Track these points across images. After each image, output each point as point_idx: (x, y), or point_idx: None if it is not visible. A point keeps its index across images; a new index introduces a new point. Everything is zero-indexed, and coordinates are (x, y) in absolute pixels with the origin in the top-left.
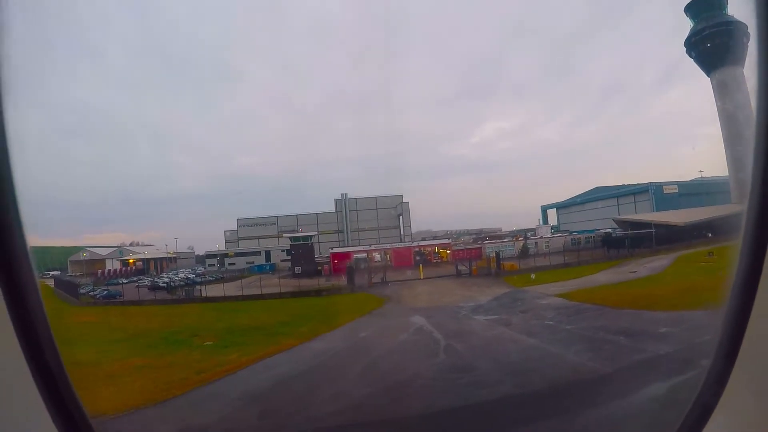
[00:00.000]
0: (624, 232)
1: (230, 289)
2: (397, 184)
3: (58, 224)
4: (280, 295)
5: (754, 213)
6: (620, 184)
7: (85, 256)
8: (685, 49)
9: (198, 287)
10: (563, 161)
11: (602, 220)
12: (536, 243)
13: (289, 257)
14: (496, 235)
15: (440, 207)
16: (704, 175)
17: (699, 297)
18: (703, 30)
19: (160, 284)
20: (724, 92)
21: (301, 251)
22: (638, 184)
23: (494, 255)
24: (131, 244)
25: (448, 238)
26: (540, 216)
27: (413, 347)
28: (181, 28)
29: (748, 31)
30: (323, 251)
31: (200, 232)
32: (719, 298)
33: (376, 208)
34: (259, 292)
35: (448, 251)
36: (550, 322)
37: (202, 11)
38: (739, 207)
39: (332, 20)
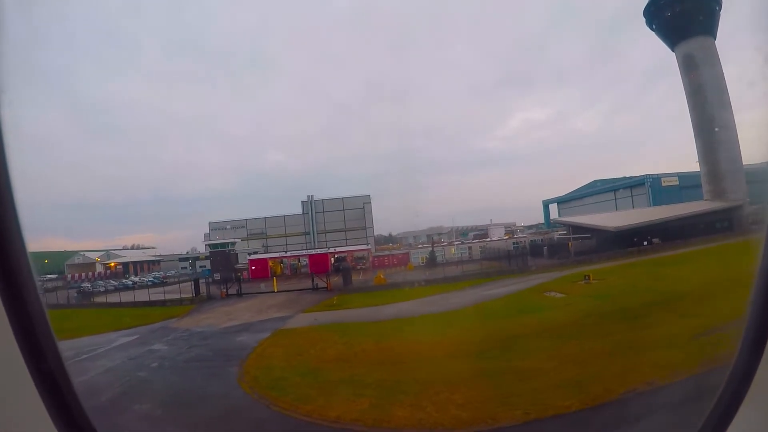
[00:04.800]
0: (550, 237)
1: (141, 294)
2: (419, 178)
3: (90, 226)
4: (133, 304)
5: None
6: (620, 176)
7: (79, 260)
8: (644, 20)
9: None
10: (596, 152)
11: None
12: (470, 248)
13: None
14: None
15: (460, 201)
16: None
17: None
18: None
19: (84, 289)
20: (691, 68)
21: (219, 258)
22: (635, 177)
23: (345, 269)
24: (132, 247)
25: (454, 235)
26: (542, 211)
27: None
28: (214, 16)
29: None
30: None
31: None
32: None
33: (343, 209)
34: (162, 299)
35: (369, 258)
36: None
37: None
38: (699, 205)
39: (368, 7)
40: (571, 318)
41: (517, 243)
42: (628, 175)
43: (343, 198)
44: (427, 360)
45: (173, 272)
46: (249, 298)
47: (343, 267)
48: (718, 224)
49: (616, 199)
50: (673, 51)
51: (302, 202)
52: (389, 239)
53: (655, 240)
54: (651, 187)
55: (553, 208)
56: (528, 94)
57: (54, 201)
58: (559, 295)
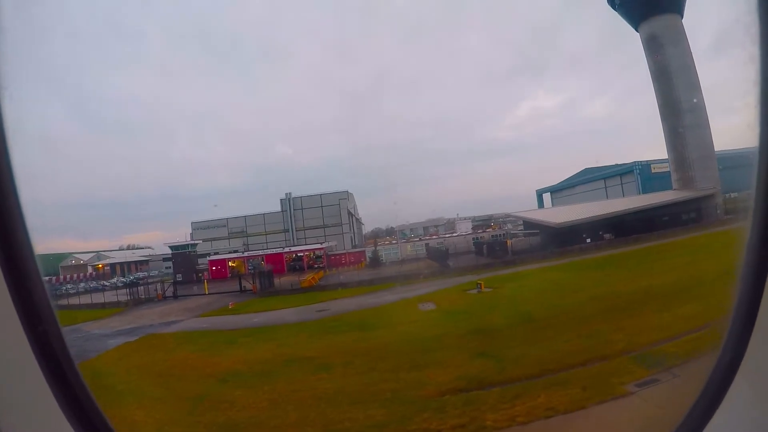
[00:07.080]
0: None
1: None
2: (429, 170)
3: (97, 225)
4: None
5: (761, 209)
6: (611, 164)
7: (72, 262)
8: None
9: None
10: (603, 139)
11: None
12: (427, 245)
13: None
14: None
15: (465, 192)
16: None
17: None
18: None
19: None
20: (656, 48)
21: (181, 259)
22: (625, 164)
23: (262, 272)
24: (128, 248)
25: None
26: (536, 200)
27: None
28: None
29: None
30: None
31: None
32: None
33: (321, 206)
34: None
35: (322, 256)
36: None
37: None
38: (666, 196)
39: None
40: (377, 343)
41: (477, 239)
42: (620, 162)
43: (321, 195)
44: (181, 377)
45: (156, 272)
46: (181, 300)
47: (260, 270)
48: (684, 216)
49: (606, 187)
50: (637, 31)
51: (281, 199)
52: (388, 232)
53: (607, 235)
54: (640, 175)
55: (547, 198)
56: (537, 82)
57: (58, 199)
58: (430, 307)
